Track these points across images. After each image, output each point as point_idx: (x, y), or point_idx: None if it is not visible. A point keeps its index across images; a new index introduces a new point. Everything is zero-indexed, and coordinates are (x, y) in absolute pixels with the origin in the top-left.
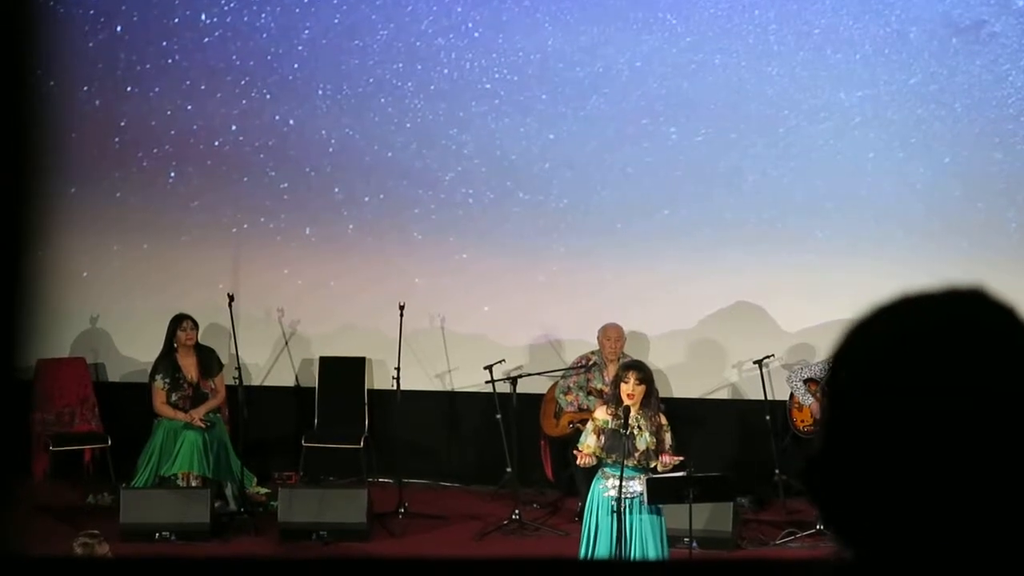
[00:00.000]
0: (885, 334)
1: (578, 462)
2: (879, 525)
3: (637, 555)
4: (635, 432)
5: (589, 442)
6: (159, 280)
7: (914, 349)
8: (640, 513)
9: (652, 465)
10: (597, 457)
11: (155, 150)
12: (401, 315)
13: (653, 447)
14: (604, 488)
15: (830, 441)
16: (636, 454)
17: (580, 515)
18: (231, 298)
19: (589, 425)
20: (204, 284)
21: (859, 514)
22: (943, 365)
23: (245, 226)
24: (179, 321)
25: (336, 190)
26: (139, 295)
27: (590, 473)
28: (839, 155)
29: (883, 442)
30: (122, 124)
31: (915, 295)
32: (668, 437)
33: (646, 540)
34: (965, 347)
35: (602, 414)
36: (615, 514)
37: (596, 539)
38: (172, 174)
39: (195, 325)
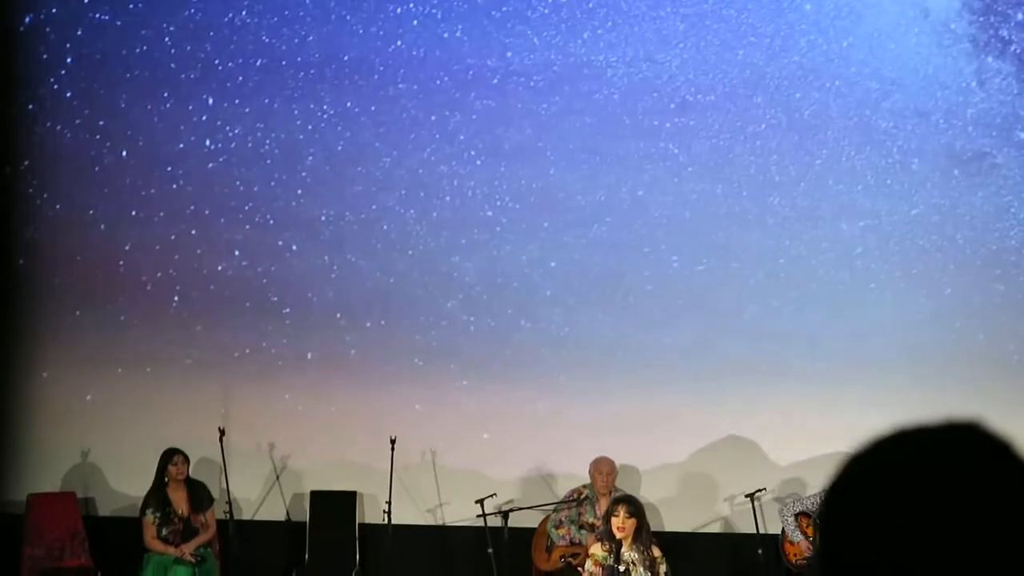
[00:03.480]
0: (881, 468)
1: None
2: None
3: None
4: (630, 567)
5: None
6: (153, 412)
7: (910, 484)
8: None
9: None
10: None
11: (159, 274)
12: (392, 449)
13: None
14: None
15: (826, 573)
16: None
17: None
18: (222, 432)
19: (588, 563)
20: (199, 416)
21: None
22: (939, 500)
23: (247, 351)
24: (170, 455)
25: (338, 316)
26: (131, 428)
27: None
28: (840, 285)
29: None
30: (127, 248)
31: (911, 428)
32: (663, 570)
33: None
34: (961, 482)
35: (598, 550)
36: None
37: None
38: (176, 298)
39: (186, 459)
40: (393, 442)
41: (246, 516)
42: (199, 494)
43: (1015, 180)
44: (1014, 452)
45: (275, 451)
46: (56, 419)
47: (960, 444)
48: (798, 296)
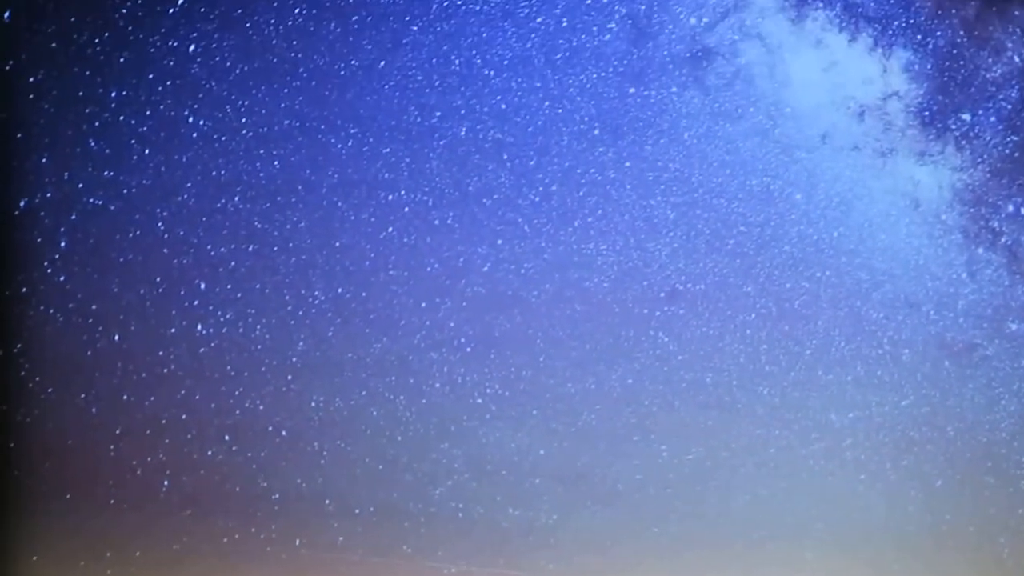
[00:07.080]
0: None
1: None
2: None
3: None
4: None
5: None
6: None
7: None
8: None
9: None
10: None
11: (149, 459)
12: None
13: None
14: None
15: None
16: None
17: None
18: None
19: None
20: None
21: None
22: None
23: (236, 536)
24: None
25: (327, 502)
26: None
27: None
28: (830, 476)
29: None
30: (117, 432)
31: None
32: None
33: None
34: None
35: None
36: None
37: None
38: (165, 483)
39: None
40: None
41: None
42: None
43: (1006, 372)
44: None
45: None
46: None
47: None
48: (787, 486)
